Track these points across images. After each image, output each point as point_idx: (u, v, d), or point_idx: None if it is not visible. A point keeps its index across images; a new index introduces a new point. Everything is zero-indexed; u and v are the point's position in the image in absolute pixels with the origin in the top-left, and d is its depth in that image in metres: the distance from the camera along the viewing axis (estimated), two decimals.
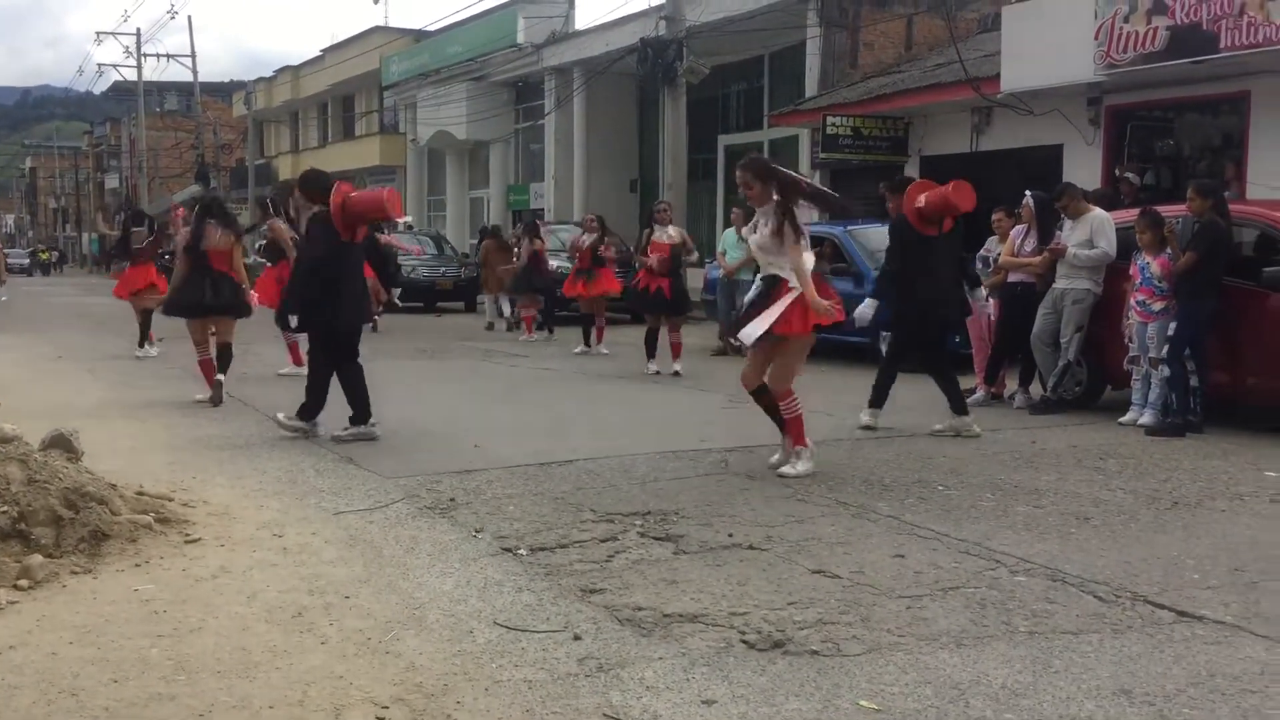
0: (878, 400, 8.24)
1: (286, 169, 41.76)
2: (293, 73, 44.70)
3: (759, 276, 6.74)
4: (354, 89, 40.52)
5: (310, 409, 7.75)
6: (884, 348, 11.57)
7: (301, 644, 3.90)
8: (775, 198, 6.42)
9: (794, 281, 6.43)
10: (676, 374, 11.43)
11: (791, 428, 6.63)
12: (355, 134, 40.65)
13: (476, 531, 5.36)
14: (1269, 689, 3.51)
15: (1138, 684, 3.55)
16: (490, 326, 18.24)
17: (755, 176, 6.45)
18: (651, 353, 11.84)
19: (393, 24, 39.45)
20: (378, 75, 36.05)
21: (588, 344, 14.09)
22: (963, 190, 7.81)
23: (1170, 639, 3.95)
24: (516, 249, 16.80)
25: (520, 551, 5.02)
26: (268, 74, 48.33)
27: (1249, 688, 3.52)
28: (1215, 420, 8.06)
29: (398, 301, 9.48)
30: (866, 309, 8.22)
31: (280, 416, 7.89)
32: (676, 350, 11.73)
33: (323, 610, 4.25)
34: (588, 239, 14.17)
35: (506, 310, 18.15)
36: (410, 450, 7.44)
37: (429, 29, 34.31)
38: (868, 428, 8.12)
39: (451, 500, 5.99)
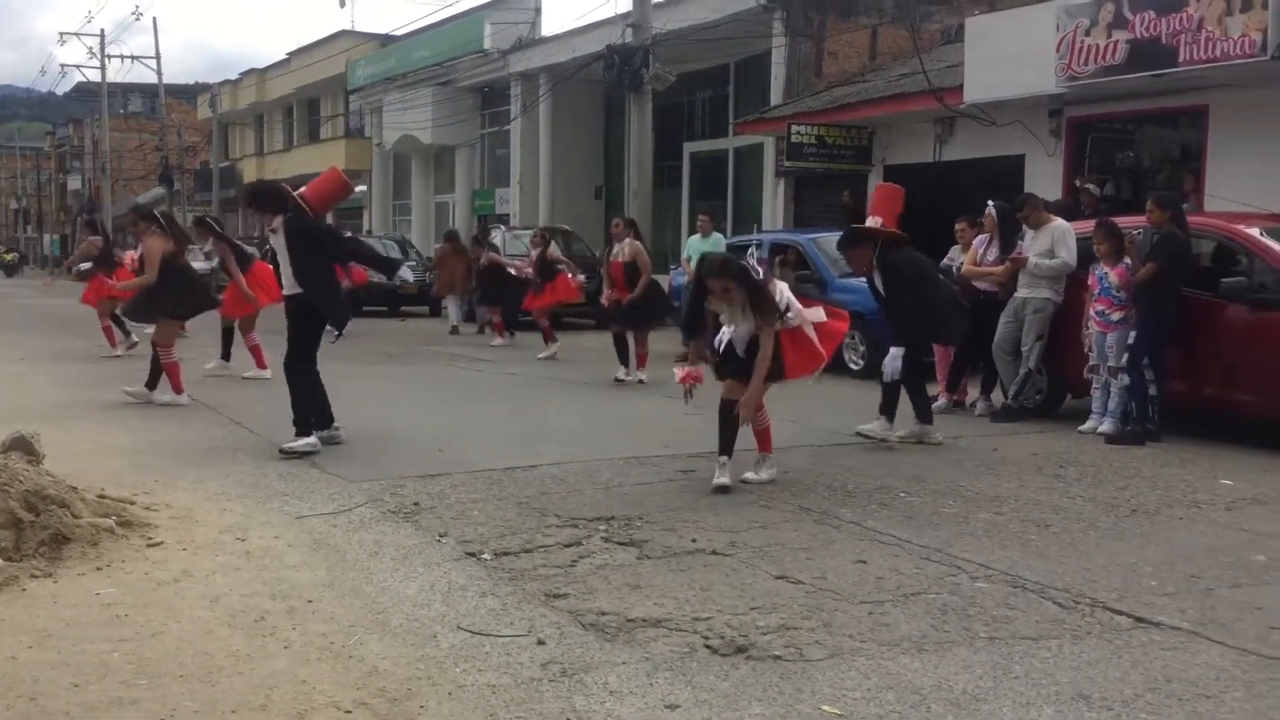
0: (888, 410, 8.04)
1: (251, 172, 41.47)
2: (258, 75, 44.37)
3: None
4: (320, 92, 40.26)
5: (308, 422, 7.44)
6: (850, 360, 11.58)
7: (264, 648, 3.89)
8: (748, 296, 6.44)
9: (806, 321, 6.62)
10: (641, 381, 11.41)
11: (761, 437, 6.69)
12: (320, 137, 40.38)
13: (440, 536, 5.35)
14: (1224, 694, 3.57)
15: (1096, 689, 3.60)
16: (455, 330, 18.23)
17: (736, 281, 6.46)
18: (621, 358, 11.81)
19: (359, 28, 39.17)
20: (344, 79, 35.85)
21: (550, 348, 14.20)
22: (890, 185, 8.50)
23: (1128, 645, 4.01)
24: (475, 257, 16.84)
25: (484, 556, 5.02)
26: (233, 76, 47.94)
27: (1205, 693, 3.58)
28: (1173, 429, 8.17)
29: (407, 278, 9.55)
30: (894, 361, 7.98)
31: (286, 447, 7.27)
32: (641, 360, 11.71)
33: (286, 614, 4.23)
34: (534, 253, 14.66)
35: (455, 315, 18.45)
36: (374, 454, 7.41)
37: (395, 34, 34.14)
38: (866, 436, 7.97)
39: (415, 504, 5.98)
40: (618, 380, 11.55)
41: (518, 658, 3.82)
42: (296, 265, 7.47)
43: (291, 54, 40.92)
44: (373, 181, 35.81)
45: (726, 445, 6.53)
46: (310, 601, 4.38)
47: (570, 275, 14.51)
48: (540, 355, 13.99)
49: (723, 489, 6.33)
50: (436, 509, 5.89)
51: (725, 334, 6.61)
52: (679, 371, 6.96)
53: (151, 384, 9.57)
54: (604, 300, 11.98)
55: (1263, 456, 7.55)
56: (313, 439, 7.39)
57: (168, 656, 3.79)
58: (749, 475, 6.55)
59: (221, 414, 9.06)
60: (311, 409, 7.53)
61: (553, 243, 14.98)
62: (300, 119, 43.20)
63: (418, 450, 7.55)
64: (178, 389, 9.57)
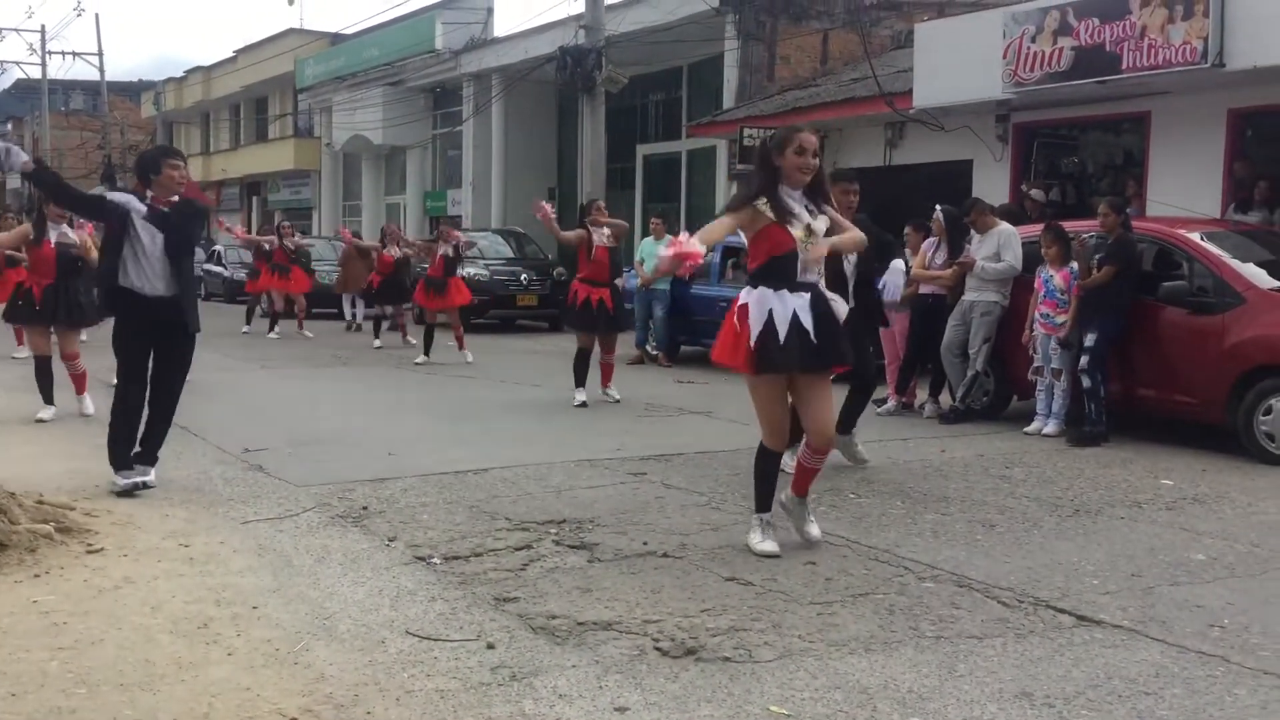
0: None
1: (197, 171, 40.89)
2: (204, 73, 43.78)
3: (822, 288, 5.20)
4: (267, 91, 39.81)
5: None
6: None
7: (207, 655, 3.84)
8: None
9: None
10: (617, 400, 9.98)
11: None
12: (269, 137, 39.95)
13: (389, 540, 5.31)
14: (1163, 691, 3.63)
15: (1039, 687, 3.65)
16: (355, 328, 18.82)
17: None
18: (581, 379, 9.92)
19: (308, 26, 38.74)
20: (292, 78, 35.47)
21: (427, 354, 13.46)
22: None
23: (1070, 643, 4.07)
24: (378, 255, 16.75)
25: (434, 560, 4.99)
26: (178, 74, 47.25)
27: (1144, 689, 3.64)
28: (1115, 430, 8.29)
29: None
30: None
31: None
32: (609, 372, 10.15)
33: (230, 621, 4.18)
34: (443, 248, 13.70)
35: (359, 314, 19.02)
36: (322, 458, 7.34)
37: (345, 32, 33.86)
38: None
39: (364, 509, 5.93)
40: (584, 404, 9.76)
41: (467, 662, 3.80)
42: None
43: (238, 52, 40.42)
44: (322, 182, 35.49)
45: (766, 499, 5.33)
46: (255, 608, 4.33)
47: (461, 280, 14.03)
48: (417, 360, 13.36)
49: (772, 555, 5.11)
50: (385, 513, 5.84)
51: (780, 310, 5.00)
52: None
53: None
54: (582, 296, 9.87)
55: (1201, 457, 7.69)
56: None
57: (108, 665, 3.72)
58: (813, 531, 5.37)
59: None
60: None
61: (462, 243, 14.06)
62: (247, 118, 42.71)
63: (367, 454, 7.49)
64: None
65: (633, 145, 23.99)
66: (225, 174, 40.99)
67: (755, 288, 5.08)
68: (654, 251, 13.84)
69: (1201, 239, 8.44)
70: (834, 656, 3.89)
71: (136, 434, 6.37)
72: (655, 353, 13.77)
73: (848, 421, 7.22)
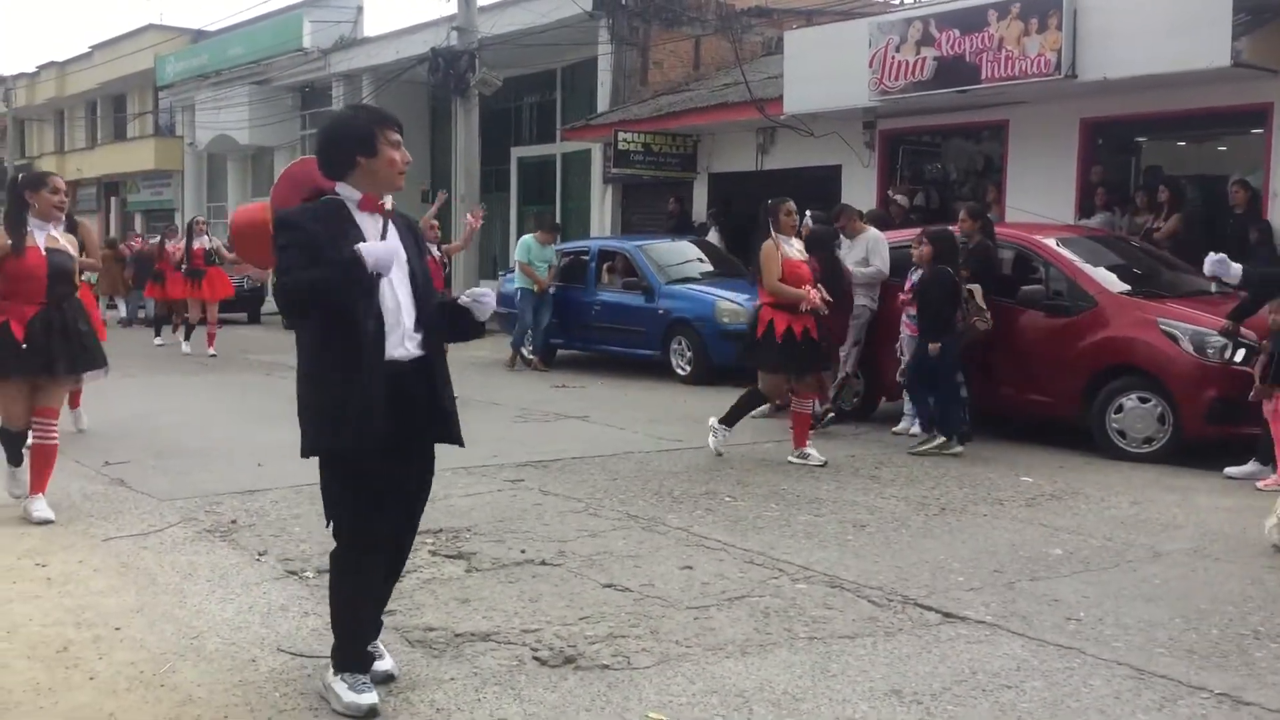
0: None
1: (52, 170, 39.17)
2: (58, 69, 42.03)
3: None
4: (126, 88, 38.40)
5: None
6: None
7: (68, 680, 3.70)
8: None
9: None
10: (822, 463, 7.50)
11: None
12: (128, 136, 38.53)
13: (259, 554, 5.19)
14: (1024, 684, 3.78)
15: (907, 684, 3.76)
16: (128, 323, 20.65)
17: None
18: (752, 409, 8.07)
19: (168, 22, 37.41)
20: (152, 75, 34.31)
21: (159, 334, 16.18)
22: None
23: (937, 639, 4.20)
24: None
25: (306, 574, 4.89)
26: (30, 69, 45.21)
27: (1006, 683, 3.78)
28: (977, 429, 8.56)
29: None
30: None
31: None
32: (807, 429, 7.86)
33: (91, 643, 4.03)
34: (203, 241, 15.64)
35: (124, 311, 21.29)
36: (188, 471, 7.12)
37: (208, 29, 32.93)
38: None
39: (233, 522, 5.78)
40: (809, 460, 7.56)
41: None
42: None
43: (95, 47, 38.90)
44: (184, 182, 34.40)
45: None
46: (118, 629, 4.18)
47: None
48: (157, 342, 15.87)
49: None
50: (256, 526, 5.70)
51: None
52: None
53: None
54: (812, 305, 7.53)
55: (1058, 454, 8.00)
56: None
57: None
58: None
59: None
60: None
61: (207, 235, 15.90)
62: (105, 116, 41.09)
63: (235, 465, 7.29)
64: None
65: (507, 148, 23.87)
66: (81, 174, 39.40)
67: None
68: (543, 255, 13.60)
69: (1057, 244, 8.79)
70: (711, 660, 3.94)
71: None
72: (531, 356, 13.70)
73: None
